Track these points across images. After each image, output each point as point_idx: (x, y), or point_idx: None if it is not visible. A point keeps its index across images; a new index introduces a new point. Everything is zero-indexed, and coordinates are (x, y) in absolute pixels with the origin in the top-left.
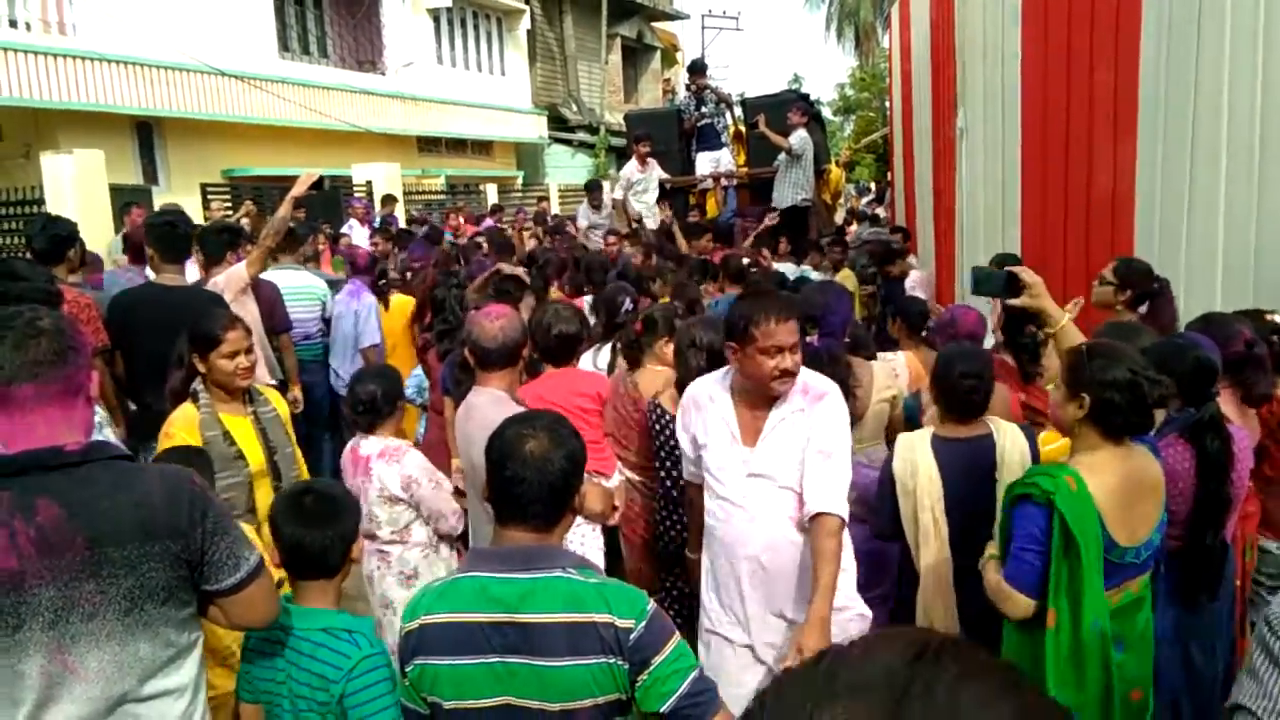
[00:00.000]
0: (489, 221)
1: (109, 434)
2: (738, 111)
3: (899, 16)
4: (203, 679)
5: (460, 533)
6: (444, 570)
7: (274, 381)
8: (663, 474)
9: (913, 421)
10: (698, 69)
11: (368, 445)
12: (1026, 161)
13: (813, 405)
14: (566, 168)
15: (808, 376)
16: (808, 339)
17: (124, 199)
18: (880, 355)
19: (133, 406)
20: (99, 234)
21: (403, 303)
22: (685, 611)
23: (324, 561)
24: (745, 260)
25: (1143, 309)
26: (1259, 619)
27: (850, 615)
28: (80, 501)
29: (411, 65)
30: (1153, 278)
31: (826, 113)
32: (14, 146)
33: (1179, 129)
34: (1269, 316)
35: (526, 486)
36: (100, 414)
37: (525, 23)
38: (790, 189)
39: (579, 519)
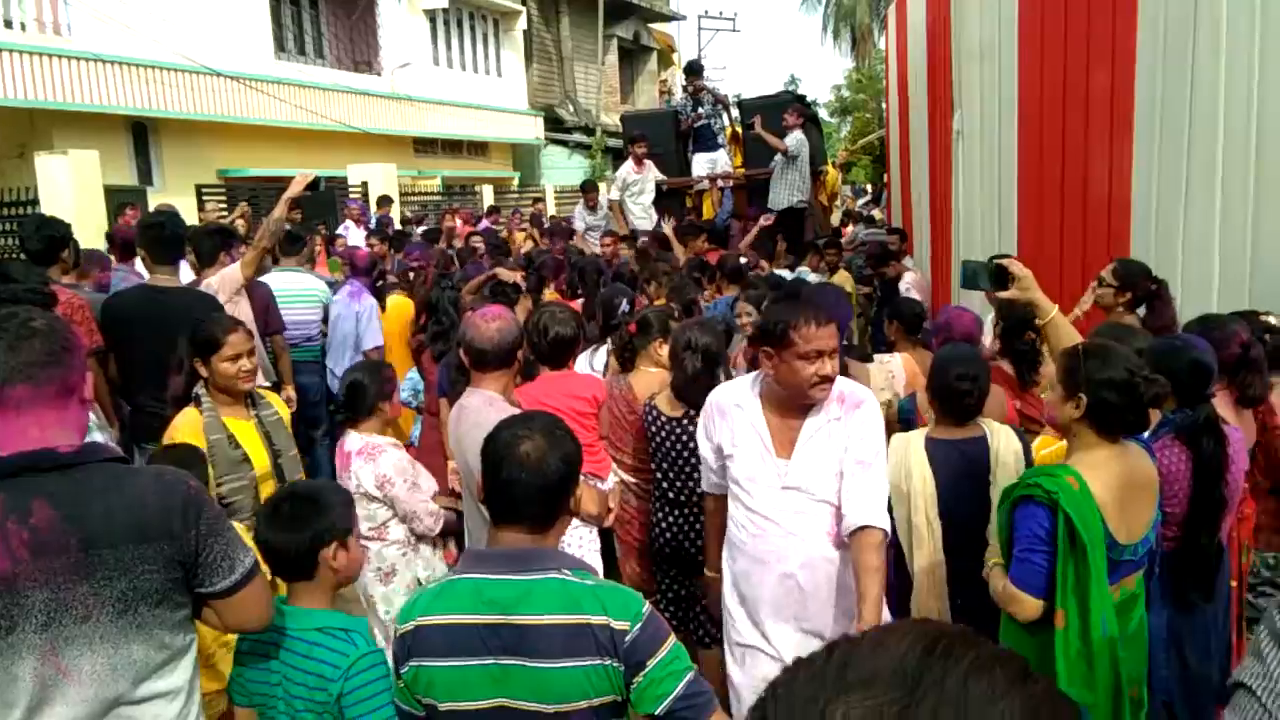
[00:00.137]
0: (485, 223)
1: (99, 435)
2: (734, 113)
3: (895, 18)
4: (197, 681)
5: (452, 532)
6: (422, 568)
7: (268, 383)
8: (658, 476)
9: (908, 423)
10: (694, 70)
11: (350, 441)
12: (1023, 163)
13: (849, 414)
14: (563, 169)
15: (843, 383)
16: None
17: (119, 199)
18: (877, 357)
19: (127, 408)
20: (94, 235)
21: (399, 305)
22: (681, 614)
23: (296, 565)
24: (743, 260)
25: (1141, 311)
26: (1270, 607)
27: None
28: (74, 503)
29: (407, 66)
30: (1151, 278)
31: (823, 114)
32: (8, 147)
33: (1175, 130)
34: (1263, 317)
35: (522, 488)
36: (95, 418)
37: (522, 23)
38: (786, 190)
39: (576, 521)
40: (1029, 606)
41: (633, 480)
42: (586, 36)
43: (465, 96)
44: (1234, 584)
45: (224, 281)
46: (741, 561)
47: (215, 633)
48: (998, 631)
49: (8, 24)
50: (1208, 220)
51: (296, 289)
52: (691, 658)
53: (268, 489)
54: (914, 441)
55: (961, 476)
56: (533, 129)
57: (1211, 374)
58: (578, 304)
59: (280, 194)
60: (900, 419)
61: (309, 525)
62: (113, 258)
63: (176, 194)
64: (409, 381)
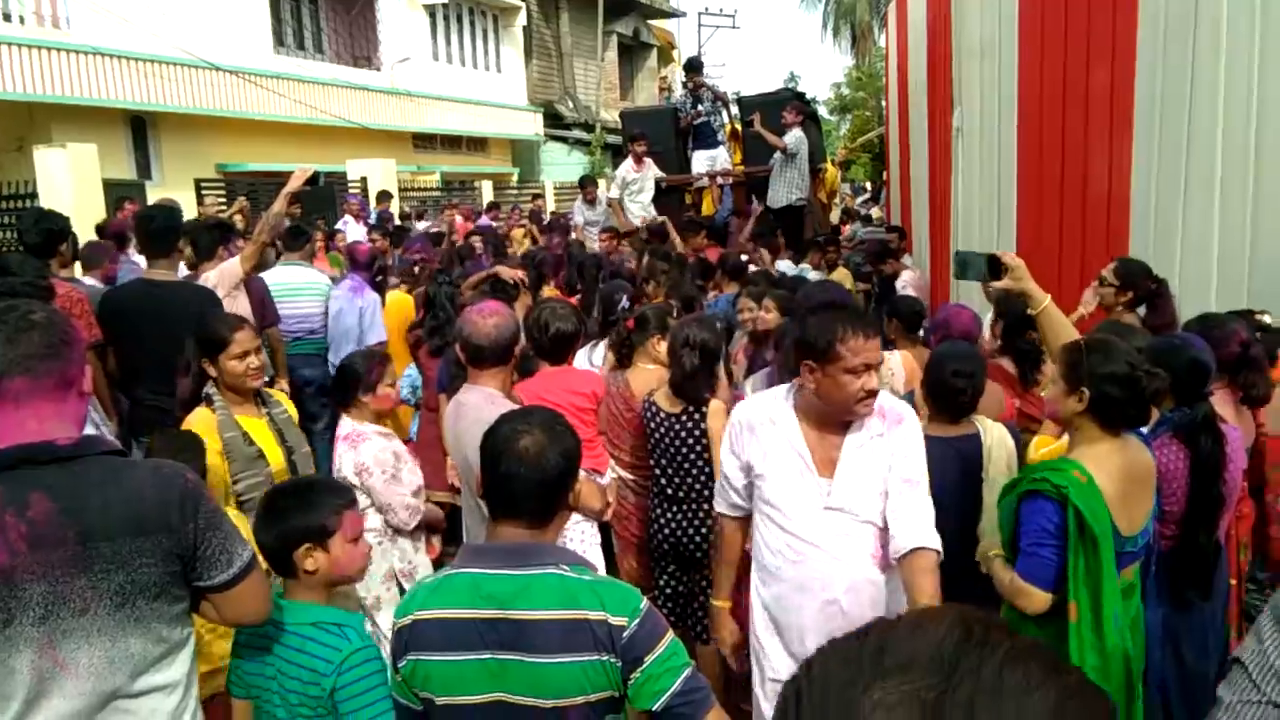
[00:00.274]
0: (485, 219)
1: (97, 428)
2: (734, 110)
3: (896, 16)
4: (194, 675)
5: (440, 530)
6: (398, 559)
7: (266, 377)
8: (657, 472)
9: None
10: (694, 67)
11: (341, 426)
12: (1023, 160)
13: (891, 429)
14: (562, 165)
15: (883, 397)
16: None
17: (117, 193)
18: None
19: (125, 402)
20: (92, 228)
21: (399, 300)
22: (679, 610)
23: (275, 562)
24: (743, 257)
25: (1141, 310)
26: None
27: None
28: (72, 496)
29: (407, 61)
30: (1151, 277)
31: (823, 112)
32: (7, 140)
33: (1175, 128)
34: (1258, 316)
35: (521, 483)
36: (95, 412)
37: (521, 19)
38: (785, 188)
39: (577, 516)
40: (1038, 600)
41: (630, 476)
42: (586, 33)
43: (465, 92)
44: (1233, 582)
45: (223, 276)
46: (777, 588)
47: (204, 623)
48: None
49: (6, 17)
50: (1206, 218)
51: (300, 282)
52: (689, 653)
53: None
54: None
55: (955, 473)
56: (532, 125)
57: (1209, 373)
58: (576, 300)
59: (279, 189)
60: None
61: (283, 524)
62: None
63: (175, 188)
64: (407, 378)
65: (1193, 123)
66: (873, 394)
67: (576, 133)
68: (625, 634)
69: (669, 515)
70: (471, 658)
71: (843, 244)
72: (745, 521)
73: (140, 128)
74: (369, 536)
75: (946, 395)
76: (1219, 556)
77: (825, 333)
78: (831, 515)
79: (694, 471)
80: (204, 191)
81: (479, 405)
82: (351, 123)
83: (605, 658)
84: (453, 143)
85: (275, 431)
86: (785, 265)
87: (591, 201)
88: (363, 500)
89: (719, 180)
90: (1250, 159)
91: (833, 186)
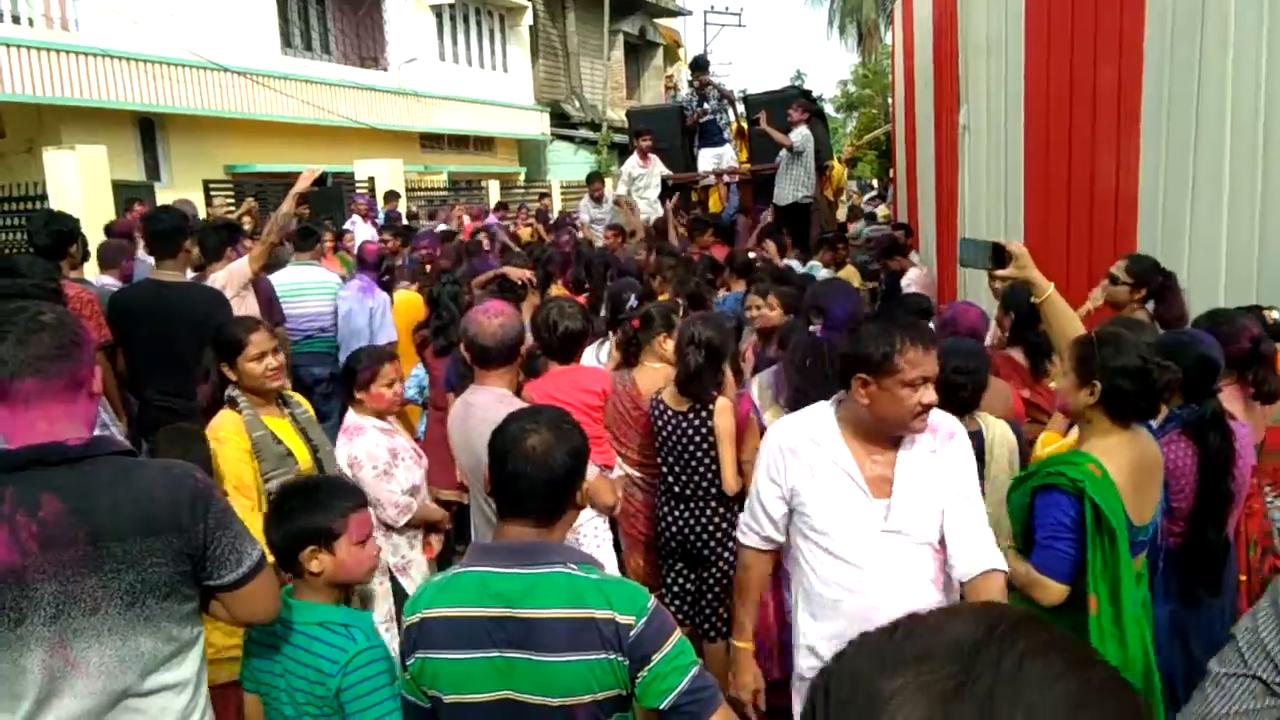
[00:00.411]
0: (492, 218)
1: (107, 428)
2: (740, 108)
3: (902, 13)
4: (204, 674)
5: (443, 530)
6: (390, 553)
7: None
8: (664, 470)
9: None
10: (700, 65)
11: (348, 418)
12: (1030, 158)
13: (944, 445)
14: (569, 164)
15: (933, 412)
16: (811, 328)
17: (126, 195)
18: None
19: (135, 402)
20: (101, 230)
21: (407, 300)
22: (686, 608)
23: (282, 561)
24: (751, 255)
25: (1150, 305)
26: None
27: None
28: (82, 496)
29: (414, 61)
30: (1160, 271)
31: (829, 109)
32: (17, 142)
33: (1183, 124)
34: (1266, 312)
35: (527, 481)
36: (105, 414)
37: (528, 19)
38: (791, 186)
39: (591, 512)
40: (1054, 592)
41: (638, 474)
42: (592, 32)
43: (471, 92)
44: (1242, 578)
45: (231, 276)
46: (831, 622)
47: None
48: None
49: (16, 19)
50: (1214, 216)
51: (310, 281)
52: (697, 652)
53: None
54: None
55: None
56: (539, 124)
57: (1218, 369)
58: (584, 298)
59: (287, 189)
60: None
61: (290, 524)
62: None
63: (184, 189)
64: (414, 377)
65: (1200, 120)
66: (929, 409)
67: (583, 132)
68: (633, 632)
69: (677, 513)
70: (479, 656)
71: (850, 242)
72: (772, 555)
73: (149, 129)
74: None
75: (947, 392)
76: (1228, 553)
77: (882, 344)
78: (889, 538)
79: (701, 469)
80: (212, 192)
81: (488, 405)
82: (359, 123)
83: (612, 656)
84: (460, 142)
85: (299, 430)
86: (792, 264)
87: (598, 199)
88: None
89: (725, 178)
90: (1258, 155)
91: (839, 184)
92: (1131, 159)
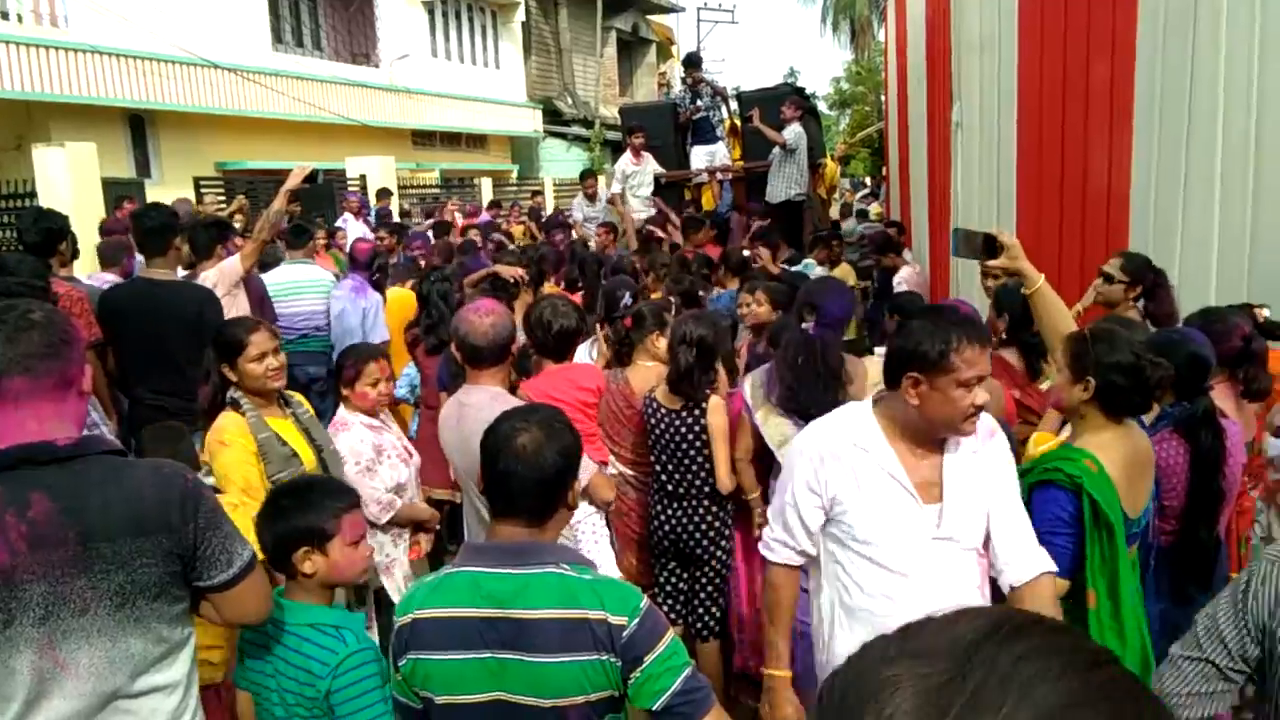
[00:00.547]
0: (486, 216)
1: (97, 427)
2: (733, 105)
3: (895, 10)
4: (194, 675)
5: (431, 530)
6: (375, 551)
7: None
8: (657, 469)
9: None
10: (693, 62)
11: (338, 414)
12: (1022, 155)
13: (985, 444)
14: (561, 161)
15: None
16: (804, 325)
17: (116, 192)
18: (877, 350)
19: (125, 401)
20: (91, 227)
21: (399, 298)
22: (679, 607)
23: (274, 561)
24: (746, 253)
25: (1141, 303)
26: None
27: None
28: (72, 496)
29: (406, 58)
30: (1152, 268)
31: (822, 106)
32: (5, 139)
33: (1175, 122)
34: (1258, 311)
35: (518, 481)
36: (95, 412)
37: (520, 16)
38: (785, 184)
39: (589, 509)
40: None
41: (631, 473)
42: (585, 29)
43: (463, 89)
44: (1233, 576)
45: (222, 275)
46: (871, 636)
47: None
48: None
49: (4, 15)
50: (1206, 214)
51: (305, 280)
52: (690, 652)
53: None
54: None
55: None
56: (531, 122)
57: (1209, 367)
58: (578, 297)
59: (279, 187)
60: None
61: (282, 524)
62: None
63: (174, 186)
64: (406, 376)
65: (1193, 117)
66: (980, 410)
67: (576, 129)
68: (625, 633)
69: (669, 511)
70: (471, 657)
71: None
72: (799, 571)
73: (139, 126)
74: None
75: None
76: (1219, 551)
77: (938, 341)
78: (939, 545)
79: (694, 468)
80: (203, 190)
81: (483, 405)
82: (350, 120)
83: (605, 657)
84: (452, 140)
85: (302, 430)
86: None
87: (592, 197)
88: None
89: (718, 176)
90: (1250, 153)
91: (832, 181)
92: (1124, 156)
